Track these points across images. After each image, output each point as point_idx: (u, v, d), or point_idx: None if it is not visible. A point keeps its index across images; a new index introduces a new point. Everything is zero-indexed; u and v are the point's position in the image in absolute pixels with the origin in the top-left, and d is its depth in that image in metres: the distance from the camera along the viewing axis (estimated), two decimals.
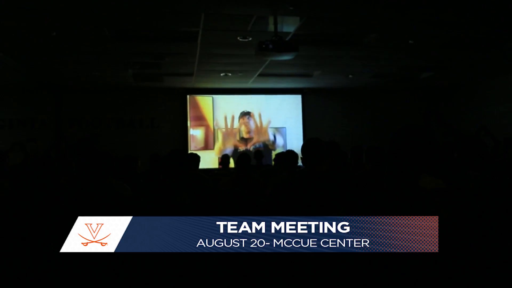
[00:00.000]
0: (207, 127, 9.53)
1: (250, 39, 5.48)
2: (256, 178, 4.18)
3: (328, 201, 2.53)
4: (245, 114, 9.68)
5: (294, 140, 9.73)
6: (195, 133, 9.49)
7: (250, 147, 9.56)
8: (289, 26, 5.15)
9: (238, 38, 5.51)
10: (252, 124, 9.68)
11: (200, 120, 9.52)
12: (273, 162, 6.97)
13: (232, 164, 8.75)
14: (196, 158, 4.03)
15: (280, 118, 9.79)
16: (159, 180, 4.32)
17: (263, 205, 2.46)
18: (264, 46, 4.78)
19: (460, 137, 3.12)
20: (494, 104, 8.91)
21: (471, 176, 3.23)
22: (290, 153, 4.02)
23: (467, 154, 3.20)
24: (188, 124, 9.46)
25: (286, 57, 5.13)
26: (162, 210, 2.45)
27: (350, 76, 8.27)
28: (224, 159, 7.19)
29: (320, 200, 2.56)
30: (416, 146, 1.69)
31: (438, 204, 2.32)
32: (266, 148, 9.51)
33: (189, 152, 6.88)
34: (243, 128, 9.65)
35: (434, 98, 10.23)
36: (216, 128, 9.55)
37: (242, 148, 9.50)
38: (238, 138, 9.63)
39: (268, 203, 2.48)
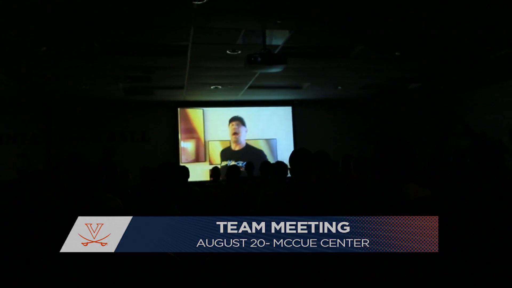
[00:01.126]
0: (198, 139, 9.55)
1: (239, 52, 5.54)
2: (246, 190, 4.20)
3: (315, 211, 2.56)
4: (234, 120, 9.78)
5: (285, 152, 9.76)
6: (186, 146, 9.50)
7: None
8: (277, 39, 5.23)
9: (227, 51, 5.57)
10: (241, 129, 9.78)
11: (191, 132, 9.55)
12: None
13: (223, 176, 8.79)
14: (186, 171, 4.05)
15: (270, 130, 9.85)
16: (149, 192, 4.33)
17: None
18: (252, 59, 4.84)
19: (479, 143, 3.10)
20: (482, 113, 9.03)
21: (484, 189, 3.19)
22: (279, 165, 4.06)
23: (481, 160, 3.15)
24: (179, 137, 9.48)
25: (275, 70, 5.19)
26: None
27: (339, 87, 8.36)
28: (214, 172, 7.20)
29: (307, 211, 2.58)
30: (397, 155, 1.74)
31: (418, 212, 2.36)
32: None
33: (180, 164, 6.90)
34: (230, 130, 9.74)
35: (423, 108, 10.36)
36: (207, 140, 9.58)
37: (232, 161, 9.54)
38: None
39: (258, 214, 2.50)
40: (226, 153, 9.72)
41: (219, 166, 8.04)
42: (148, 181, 5.33)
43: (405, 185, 2.81)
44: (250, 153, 9.56)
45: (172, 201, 2.68)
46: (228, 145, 9.75)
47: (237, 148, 9.79)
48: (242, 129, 9.86)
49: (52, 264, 1.93)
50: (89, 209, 2.35)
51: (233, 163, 9.19)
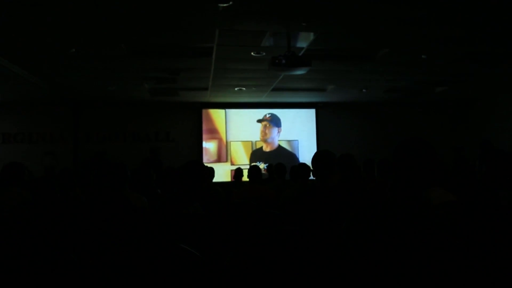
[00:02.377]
0: (220, 140, 9.63)
1: (264, 54, 5.57)
2: (268, 190, 4.22)
3: (336, 214, 2.56)
4: (264, 120, 9.80)
5: (306, 153, 9.77)
6: (208, 146, 9.59)
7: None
8: (302, 42, 5.23)
9: (252, 53, 5.61)
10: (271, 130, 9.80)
11: (213, 133, 9.64)
12: None
13: (245, 177, 8.83)
14: (211, 171, 4.10)
15: (293, 132, 9.85)
16: (173, 191, 4.39)
17: (274, 217, 2.50)
18: (277, 61, 4.86)
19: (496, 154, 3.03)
20: (508, 119, 8.81)
21: (501, 195, 3.14)
22: (302, 166, 4.06)
23: (497, 169, 3.10)
24: (202, 137, 9.57)
25: (299, 72, 5.19)
26: (173, 219, 2.51)
27: (364, 90, 8.29)
28: (237, 173, 7.25)
29: (328, 213, 2.58)
30: (418, 158, 1.70)
31: (442, 218, 2.31)
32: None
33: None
34: (261, 130, 9.76)
35: (449, 112, 10.18)
36: (229, 141, 9.64)
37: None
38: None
39: (279, 214, 2.51)
40: (257, 154, 9.77)
41: (242, 168, 8.06)
42: (171, 179, 5.40)
43: (429, 189, 2.77)
44: (283, 156, 9.56)
45: (195, 199, 2.72)
46: (257, 146, 9.80)
47: (268, 149, 9.81)
48: (273, 130, 9.87)
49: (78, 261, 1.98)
50: (114, 208, 2.41)
51: (262, 165, 9.24)
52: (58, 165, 8.85)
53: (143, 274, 1.63)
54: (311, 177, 4.40)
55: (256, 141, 9.77)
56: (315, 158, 2.66)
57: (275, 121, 9.85)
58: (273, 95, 8.71)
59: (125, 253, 1.82)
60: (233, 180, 8.18)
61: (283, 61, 4.88)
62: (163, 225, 2.25)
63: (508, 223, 2.25)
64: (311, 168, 4.57)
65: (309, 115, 9.92)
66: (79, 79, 6.96)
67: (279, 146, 9.83)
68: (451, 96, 9.13)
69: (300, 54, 5.48)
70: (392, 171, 1.75)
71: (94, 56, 5.66)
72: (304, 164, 4.08)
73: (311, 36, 5.04)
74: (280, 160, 7.80)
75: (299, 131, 9.89)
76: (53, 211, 2.86)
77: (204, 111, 9.62)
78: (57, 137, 9.40)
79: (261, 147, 9.76)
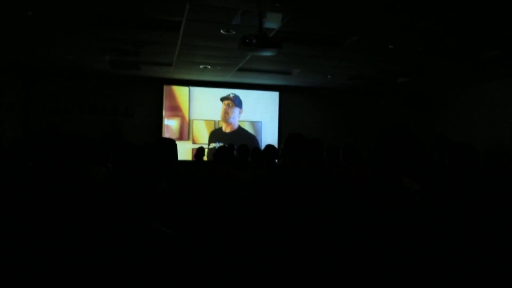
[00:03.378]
0: (182, 117, 9.43)
1: (234, 32, 5.45)
2: (233, 172, 4.16)
3: (308, 196, 2.55)
4: (226, 99, 9.67)
5: (269, 135, 9.79)
6: (170, 124, 9.38)
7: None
8: (273, 23, 5.15)
9: (221, 31, 5.46)
10: (233, 110, 9.69)
11: (175, 110, 9.42)
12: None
13: (206, 157, 8.72)
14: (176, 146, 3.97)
15: (255, 113, 9.80)
16: (135, 168, 4.25)
17: (244, 199, 2.45)
18: (247, 40, 4.76)
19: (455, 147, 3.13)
20: (467, 112, 9.19)
21: (467, 186, 3.24)
22: (269, 148, 4.03)
23: (460, 161, 3.19)
24: (163, 114, 9.34)
25: (268, 53, 5.12)
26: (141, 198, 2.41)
27: (329, 76, 8.35)
28: (199, 152, 7.14)
29: (301, 195, 2.57)
30: (403, 145, 1.70)
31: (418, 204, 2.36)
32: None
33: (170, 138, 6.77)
34: (223, 109, 9.64)
35: (409, 103, 10.47)
36: (191, 119, 9.47)
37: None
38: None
39: (249, 196, 2.47)
40: (216, 135, 9.63)
41: (204, 147, 7.95)
42: (132, 156, 5.23)
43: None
44: (243, 137, 9.49)
45: (162, 177, 2.62)
46: (219, 125, 9.66)
47: (228, 130, 9.70)
48: (235, 110, 9.75)
49: (35, 237, 1.85)
50: (77, 183, 2.28)
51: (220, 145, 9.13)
52: (6, 136, 8.36)
53: (114, 254, 1.55)
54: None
55: (218, 121, 9.65)
56: (288, 141, 2.63)
57: (237, 101, 9.75)
58: (237, 75, 8.60)
59: (93, 232, 1.71)
60: (193, 159, 8.08)
61: (254, 41, 4.79)
62: (131, 203, 2.15)
63: (475, 210, 2.33)
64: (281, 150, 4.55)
65: (273, 97, 9.90)
66: (34, 45, 6.54)
67: (239, 127, 9.76)
68: (411, 87, 9.38)
69: (270, 35, 5.40)
70: (375, 157, 1.73)
71: (52, 21, 5.31)
72: (271, 146, 4.05)
73: (283, 18, 4.97)
74: (240, 141, 7.77)
75: (261, 113, 9.86)
76: (8, 185, 2.68)
77: (166, 87, 9.35)
78: (6, 106, 8.85)
79: (221, 128, 9.66)
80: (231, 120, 9.70)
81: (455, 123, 9.43)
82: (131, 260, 1.51)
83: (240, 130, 9.72)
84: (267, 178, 2.76)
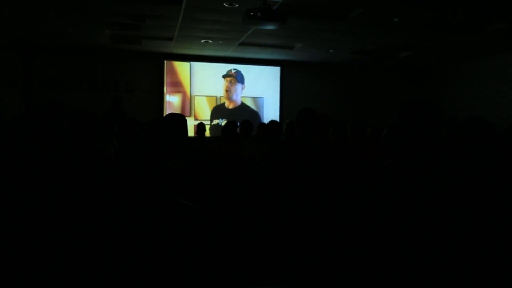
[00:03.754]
0: (184, 93, 9.37)
1: (237, 5, 5.35)
2: (241, 147, 4.17)
3: (321, 172, 2.56)
4: (228, 76, 9.58)
5: (271, 111, 9.75)
6: (172, 100, 9.32)
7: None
8: None
9: (224, 4, 5.37)
10: (236, 87, 9.61)
11: (177, 86, 9.35)
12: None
13: (208, 133, 8.71)
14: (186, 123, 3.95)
15: (258, 88, 9.74)
16: (142, 144, 4.25)
17: (259, 175, 2.45)
18: (252, 13, 4.69)
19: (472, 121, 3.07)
20: (471, 86, 9.15)
21: (475, 165, 3.22)
22: (274, 123, 4.02)
23: (476, 137, 3.12)
24: (165, 90, 9.27)
25: (272, 27, 5.06)
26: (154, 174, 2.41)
27: (331, 50, 8.27)
28: (200, 128, 7.08)
29: (315, 171, 2.57)
30: (429, 120, 1.67)
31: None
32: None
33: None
34: (225, 85, 9.56)
35: (412, 78, 10.41)
36: (193, 95, 9.41)
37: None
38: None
39: (264, 172, 2.47)
40: (219, 111, 9.57)
41: (204, 122, 7.90)
42: (136, 132, 5.21)
43: None
44: (246, 113, 9.42)
45: (175, 154, 2.62)
46: (221, 101, 9.59)
47: (231, 106, 9.65)
48: (237, 86, 9.67)
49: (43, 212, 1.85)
50: (91, 158, 2.27)
51: (224, 122, 9.08)
52: (8, 112, 8.32)
53: (137, 230, 1.56)
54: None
55: (220, 97, 9.59)
56: (302, 115, 2.61)
57: (240, 77, 9.66)
58: (239, 50, 8.49)
59: (109, 207, 1.72)
60: (196, 135, 8.05)
61: (259, 14, 4.72)
62: (143, 179, 2.15)
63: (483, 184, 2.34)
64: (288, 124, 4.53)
65: (274, 72, 9.81)
66: (33, 19, 6.42)
67: (242, 103, 9.70)
68: (414, 62, 9.30)
69: (274, 9, 5.31)
70: (398, 133, 1.70)
71: None
72: (275, 121, 4.04)
73: None
74: (243, 117, 7.72)
75: (263, 88, 9.79)
76: (14, 161, 2.68)
77: (167, 62, 9.25)
78: (6, 82, 8.76)
79: (223, 104, 9.59)
80: (234, 96, 9.64)
81: (459, 97, 9.40)
82: (156, 235, 1.53)
83: (243, 106, 9.67)
84: (279, 154, 2.75)
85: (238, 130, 6.78)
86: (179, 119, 2.54)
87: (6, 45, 8.35)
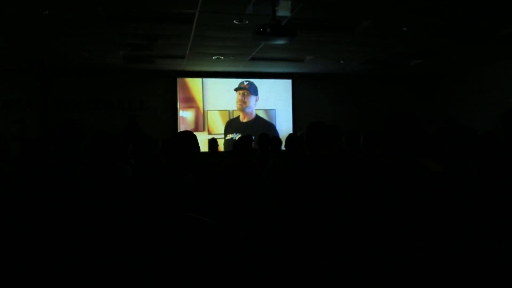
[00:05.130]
0: (197, 109, 9.49)
1: (246, 22, 5.46)
2: (254, 161, 4.22)
3: (330, 183, 2.60)
4: (241, 89, 9.67)
5: (284, 123, 9.80)
6: (185, 115, 9.45)
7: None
8: (285, 11, 5.15)
9: (234, 21, 5.48)
10: (249, 99, 9.68)
11: (190, 102, 9.48)
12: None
13: (221, 148, 8.78)
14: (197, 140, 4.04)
15: (270, 101, 9.81)
16: (158, 162, 4.33)
17: (271, 188, 2.50)
18: (262, 29, 4.77)
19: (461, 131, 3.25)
20: (480, 92, 9.08)
21: (463, 164, 3.32)
22: (290, 137, 4.07)
23: (462, 144, 3.31)
24: (178, 106, 9.41)
25: (282, 42, 5.13)
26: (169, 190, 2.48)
27: (341, 62, 8.32)
28: (212, 144, 7.14)
29: (323, 182, 2.62)
30: (410, 130, 1.89)
31: (439, 185, 2.45)
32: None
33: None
34: (238, 99, 9.63)
35: (423, 86, 10.38)
36: (206, 110, 9.52)
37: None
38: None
39: (276, 185, 2.52)
40: (233, 125, 9.62)
41: (216, 138, 7.97)
42: (152, 150, 5.31)
43: (420, 159, 2.89)
44: (261, 126, 9.40)
45: (189, 170, 2.68)
46: (234, 115, 9.66)
47: (245, 120, 9.71)
48: (251, 98, 9.71)
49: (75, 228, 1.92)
50: (111, 178, 2.35)
51: (238, 136, 9.14)
52: (26, 134, 8.53)
53: (152, 245, 1.61)
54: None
55: (233, 110, 9.67)
56: (311, 129, 2.67)
57: (253, 89, 9.73)
58: (250, 65, 8.61)
59: (130, 224, 1.78)
60: (209, 151, 8.11)
61: (268, 30, 4.80)
62: (161, 196, 2.22)
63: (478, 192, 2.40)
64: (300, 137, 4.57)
65: (286, 85, 9.89)
66: (50, 43, 6.63)
67: (257, 116, 9.76)
68: (425, 69, 9.29)
69: (283, 24, 5.40)
70: (383, 142, 1.93)
71: (68, 20, 5.39)
72: (293, 135, 4.10)
73: (295, 5, 4.96)
74: (258, 131, 7.77)
75: (275, 100, 9.85)
76: (45, 183, 2.77)
77: (180, 79, 9.41)
78: (24, 105, 9.00)
79: (238, 117, 9.67)
80: (248, 109, 9.69)
81: (470, 103, 9.33)
82: (173, 250, 1.58)
83: (258, 119, 9.72)
84: (288, 167, 2.80)
85: (253, 144, 6.86)
86: (189, 137, 2.61)
87: (25, 68, 8.61)
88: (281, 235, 1.81)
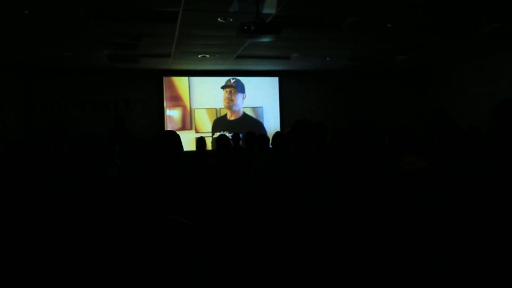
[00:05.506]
0: (184, 107, 9.44)
1: (231, 20, 5.43)
2: (239, 159, 4.20)
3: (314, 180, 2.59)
4: (227, 86, 9.62)
5: (271, 120, 9.80)
6: (172, 114, 9.39)
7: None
8: (270, 8, 5.13)
9: (219, 19, 5.45)
10: (236, 97, 9.65)
11: (177, 100, 9.43)
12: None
13: (209, 146, 8.75)
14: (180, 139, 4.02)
15: (257, 98, 9.79)
16: (142, 162, 4.29)
17: (254, 187, 2.49)
18: (246, 27, 4.74)
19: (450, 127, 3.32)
20: (468, 86, 9.17)
21: (450, 156, 3.36)
22: (276, 135, 4.06)
23: (447, 138, 3.36)
24: (165, 105, 9.35)
25: (267, 39, 5.10)
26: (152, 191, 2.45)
27: (328, 58, 8.33)
28: (199, 142, 7.12)
29: (307, 180, 2.61)
30: (365, 139, 2.09)
31: (416, 183, 2.51)
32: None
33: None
34: (225, 97, 9.59)
35: (410, 81, 10.44)
36: (193, 108, 9.47)
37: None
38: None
39: (260, 183, 2.50)
40: (221, 123, 9.59)
41: (203, 136, 7.94)
42: (137, 149, 5.26)
43: (401, 155, 2.93)
44: (249, 124, 9.39)
45: (172, 170, 2.66)
46: (221, 113, 9.62)
47: (232, 118, 9.68)
48: (238, 96, 9.69)
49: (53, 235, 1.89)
50: (91, 180, 2.31)
51: (227, 134, 9.12)
52: (10, 136, 8.40)
53: (135, 248, 1.59)
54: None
55: (220, 108, 9.64)
56: (295, 127, 2.66)
57: (240, 87, 9.70)
58: (236, 63, 8.58)
59: (111, 228, 1.76)
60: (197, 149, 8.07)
61: (252, 28, 4.77)
62: (143, 197, 2.19)
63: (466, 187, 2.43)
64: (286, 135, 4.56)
65: (273, 82, 9.88)
66: (32, 43, 6.54)
67: (244, 113, 9.74)
68: (411, 65, 9.35)
69: (267, 21, 5.38)
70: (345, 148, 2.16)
71: (49, 19, 5.31)
72: (279, 133, 4.09)
73: (279, 2, 4.94)
74: (245, 128, 7.76)
75: (262, 98, 9.85)
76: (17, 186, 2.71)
77: (166, 78, 9.35)
78: (8, 106, 8.87)
79: (225, 115, 9.64)
80: (235, 107, 9.67)
81: (457, 98, 9.42)
82: (151, 253, 1.56)
83: (245, 117, 9.70)
84: (273, 164, 2.80)
85: (241, 142, 6.83)
86: (172, 137, 2.59)
87: (7, 69, 8.48)
88: (264, 234, 1.79)
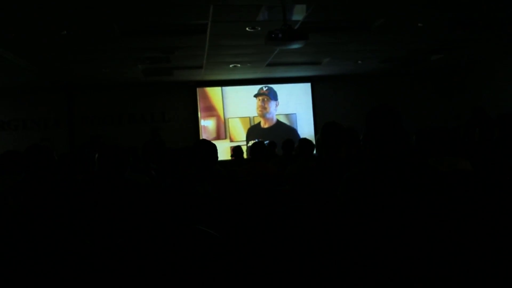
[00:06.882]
0: (218, 117, 9.57)
1: (259, 29, 5.48)
2: (271, 167, 4.21)
3: None
4: (260, 95, 9.67)
5: (305, 126, 9.76)
6: (207, 124, 9.54)
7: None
8: (297, 15, 5.15)
9: (247, 28, 5.51)
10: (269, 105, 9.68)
11: (211, 110, 9.57)
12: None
13: (245, 155, 8.80)
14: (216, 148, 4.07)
15: (290, 105, 9.79)
16: (178, 171, 4.37)
17: (282, 194, 2.49)
18: (273, 35, 4.77)
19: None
20: (507, 84, 8.81)
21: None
22: (305, 141, 4.05)
23: (488, 136, 3.17)
24: (199, 116, 9.51)
25: (296, 46, 5.11)
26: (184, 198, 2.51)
27: (359, 62, 8.23)
28: (236, 151, 7.18)
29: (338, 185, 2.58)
30: (388, 122, 1.96)
31: (455, 185, 2.38)
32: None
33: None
34: (258, 105, 9.63)
35: (447, 80, 10.14)
36: (226, 118, 9.58)
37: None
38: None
39: (289, 191, 2.51)
40: (255, 131, 9.63)
41: (241, 146, 8.00)
42: (172, 160, 5.37)
43: (442, 158, 2.78)
44: (282, 131, 9.40)
45: (204, 179, 2.71)
46: (255, 122, 9.67)
47: (266, 125, 9.71)
48: (271, 103, 9.72)
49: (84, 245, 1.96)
50: (121, 188, 2.39)
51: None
52: (55, 152, 8.76)
53: (161, 255, 1.63)
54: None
55: (254, 117, 9.70)
56: (324, 131, 2.63)
57: (272, 94, 9.73)
58: (268, 71, 8.63)
59: (140, 234, 1.81)
60: (232, 158, 8.15)
61: (280, 35, 4.80)
62: (175, 204, 2.24)
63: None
64: (318, 141, 4.54)
65: (305, 89, 9.86)
66: (71, 62, 6.85)
67: (278, 121, 9.75)
68: (446, 63, 9.09)
69: (296, 27, 5.39)
70: (370, 139, 1.95)
71: (86, 38, 5.54)
72: (306, 140, 4.07)
73: (306, 8, 4.95)
74: (279, 136, 7.77)
75: (295, 105, 9.84)
76: (60, 200, 2.84)
77: (199, 89, 9.53)
78: (51, 123, 9.31)
79: (259, 123, 9.69)
80: (269, 115, 9.70)
81: (498, 95, 9.06)
82: (178, 262, 1.59)
83: (279, 124, 9.71)
84: (303, 171, 2.77)
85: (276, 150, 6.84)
86: (206, 145, 2.64)
87: (50, 88, 8.90)
88: (291, 238, 1.80)
